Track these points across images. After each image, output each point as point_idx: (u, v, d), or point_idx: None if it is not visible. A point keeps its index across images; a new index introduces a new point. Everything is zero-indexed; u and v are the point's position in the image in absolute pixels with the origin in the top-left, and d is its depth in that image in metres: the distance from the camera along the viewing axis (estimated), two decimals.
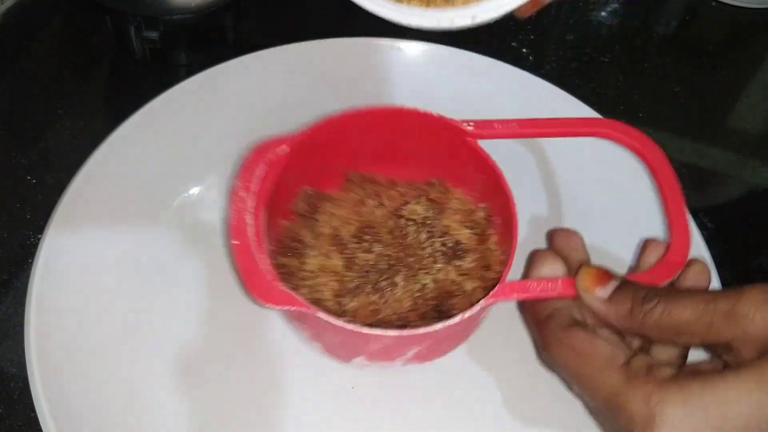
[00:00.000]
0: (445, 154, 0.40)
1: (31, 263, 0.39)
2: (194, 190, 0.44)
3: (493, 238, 0.39)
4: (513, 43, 0.58)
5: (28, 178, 0.46)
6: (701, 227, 0.45)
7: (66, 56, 0.55)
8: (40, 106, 0.51)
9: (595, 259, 0.36)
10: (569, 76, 0.57)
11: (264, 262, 0.31)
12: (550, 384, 0.36)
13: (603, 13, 0.63)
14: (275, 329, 0.39)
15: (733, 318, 0.28)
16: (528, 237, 0.42)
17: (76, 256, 0.39)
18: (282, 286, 0.31)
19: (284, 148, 0.35)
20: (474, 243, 0.38)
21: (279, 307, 0.31)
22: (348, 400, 0.37)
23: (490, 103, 0.50)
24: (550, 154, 0.47)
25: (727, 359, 0.29)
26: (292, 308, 0.30)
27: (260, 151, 0.34)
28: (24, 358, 0.35)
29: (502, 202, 0.36)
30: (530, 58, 0.58)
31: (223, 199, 0.44)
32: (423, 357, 0.35)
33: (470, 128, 0.38)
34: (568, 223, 0.41)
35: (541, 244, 0.39)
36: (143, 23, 0.51)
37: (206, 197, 0.44)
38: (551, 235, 0.37)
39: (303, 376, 0.37)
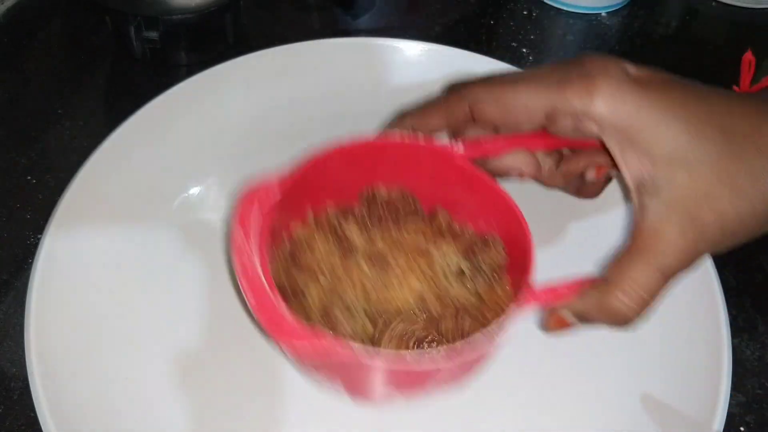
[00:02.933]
0: (438, 178, 0.39)
1: (31, 263, 0.39)
2: (194, 190, 0.44)
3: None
4: (513, 43, 0.58)
5: (28, 178, 0.46)
6: None
7: (66, 56, 0.55)
8: (40, 106, 0.51)
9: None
10: None
11: (280, 304, 0.30)
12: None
13: (603, 13, 0.63)
14: None
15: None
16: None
17: (76, 256, 0.39)
18: (303, 323, 0.29)
19: (275, 187, 0.34)
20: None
21: (306, 343, 0.29)
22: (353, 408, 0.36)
23: None
24: None
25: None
26: (322, 342, 0.28)
27: (253, 191, 0.34)
28: (24, 358, 0.35)
29: (508, 216, 0.35)
30: (530, 58, 0.58)
31: (223, 199, 0.44)
32: (449, 379, 0.33)
33: (460, 150, 0.37)
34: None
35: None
36: (143, 23, 0.51)
37: (206, 197, 0.44)
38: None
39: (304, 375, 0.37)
